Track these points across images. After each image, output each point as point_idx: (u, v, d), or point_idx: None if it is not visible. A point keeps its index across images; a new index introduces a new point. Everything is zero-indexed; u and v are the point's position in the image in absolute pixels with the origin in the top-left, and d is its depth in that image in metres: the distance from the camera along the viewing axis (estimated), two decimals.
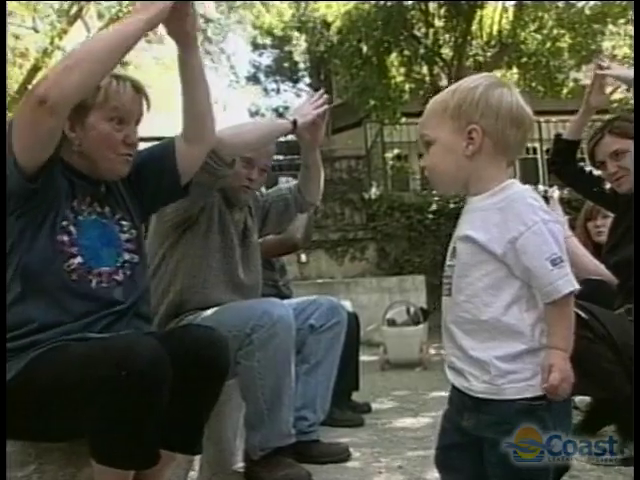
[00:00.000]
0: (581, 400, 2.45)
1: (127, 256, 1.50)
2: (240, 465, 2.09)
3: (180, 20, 1.46)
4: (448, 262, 1.16)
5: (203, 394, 1.44)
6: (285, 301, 2.20)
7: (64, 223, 1.40)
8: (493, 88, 1.12)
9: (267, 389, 1.89)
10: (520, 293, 1.07)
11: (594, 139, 2.12)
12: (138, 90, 1.49)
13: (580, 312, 1.79)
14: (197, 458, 1.88)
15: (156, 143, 1.68)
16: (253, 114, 16.75)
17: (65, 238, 1.39)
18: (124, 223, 1.53)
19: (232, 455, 2.14)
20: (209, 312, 1.95)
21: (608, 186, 2.22)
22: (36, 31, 12.49)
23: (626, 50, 9.25)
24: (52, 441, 1.37)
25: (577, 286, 1.04)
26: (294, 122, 2.04)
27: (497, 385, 1.06)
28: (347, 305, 3.06)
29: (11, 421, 1.30)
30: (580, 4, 9.10)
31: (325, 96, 2.18)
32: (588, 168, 2.27)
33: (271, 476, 1.88)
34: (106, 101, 1.42)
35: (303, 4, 11.43)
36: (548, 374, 1.02)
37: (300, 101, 17.40)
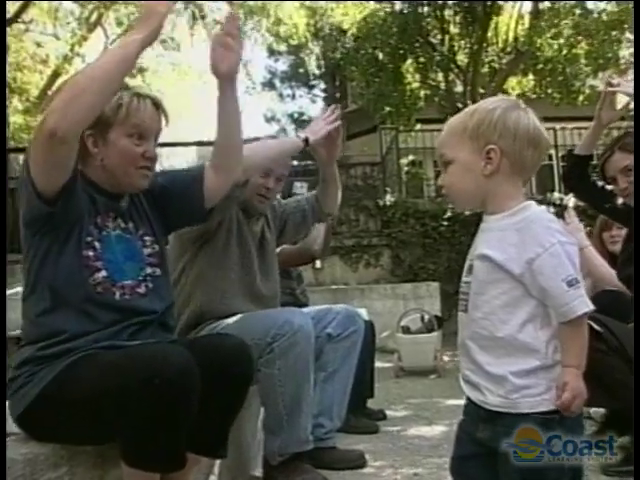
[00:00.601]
0: (595, 411, 2.47)
1: (149, 270, 1.56)
2: (259, 470, 2.14)
3: (226, 62, 1.57)
4: (465, 279, 1.21)
5: (228, 400, 1.49)
6: (305, 309, 2.25)
7: (89, 239, 1.47)
8: (510, 110, 1.16)
9: (287, 396, 1.94)
10: (535, 312, 1.11)
11: (604, 156, 2.17)
12: (157, 107, 1.56)
13: (594, 325, 1.83)
14: (217, 463, 1.94)
15: (186, 168, 1.74)
16: (269, 119, 16.90)
17: (90, 253, 1.46)
18: (147, 238, 1.59)
19: (251, 460, 2.19)
20: (230, 320, 2.01)
21: (620, 200, 2.25)
22: (57, 38, 12.70)
23: None
24: (84, 444, 1.43)
25: (592, 307, 1.08)
26: (306, 140, 2.08)
27: (512, 399, 1.10)
28: (363, 313, 3.10)
29: (45, 425, 1.37)
30: (598, 9, 9.07)
31: (338, 111, 2.21)
32: (601, 182, 2.30)
33: None
34: (127, 118, 1.49)
35: (319, 12, 11.52)
36: (561, 392, 1.06)
37: (315, 108, 17.47)
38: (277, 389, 1.93)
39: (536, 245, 1.09)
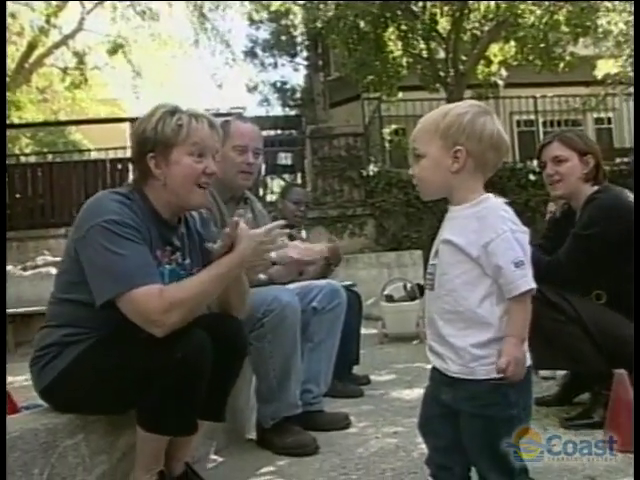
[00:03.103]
0: (553, 373, 2.71)
1: None
2: (252, 434, 2.33)
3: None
4: (431, 261, 1.39)
5: (228, 371, 1.68)
6: (290, 286, 2.41)
7: None
8: (479, 116, 1.33)
9: (277, 366, 2.13)
10: (491, 290, 1.29)
11: (544, 141, 2.35)
12: (212, 126, 1.65)
13: (552, 297, 2.03)
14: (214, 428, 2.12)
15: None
16: (251, 89, 16.72)
17: None
18: (196, 270, 1.66)
19: (245, 425, 2.38)
20: None
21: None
22: (32, 9, 12.39)
23: (622, 26, 9.27)
24: (102, 414, 1.61)
25: (533, 285, 1.25)
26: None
27: (470, 367, 1.28)
28: (351, 285, 3.28)
29: (68, 397, 1.54)
30: None
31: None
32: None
33: (281, 441, 2.13)
34: (188, 138, 1.58)
35: None
36: (503, 361, 1.23)
37: (298, 76, 17.20)
38: (268, 360, 2.12)
39: (491, 231, 1.27)
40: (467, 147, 1.30)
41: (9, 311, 5.88)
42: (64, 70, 14.23)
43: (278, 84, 16.72)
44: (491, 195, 1.34)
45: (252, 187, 2.55)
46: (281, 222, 1.71)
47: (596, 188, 2.25)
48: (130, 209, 1.53)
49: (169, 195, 1.61)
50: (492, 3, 9.89)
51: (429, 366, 1.45)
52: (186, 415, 1.53)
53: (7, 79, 12.69)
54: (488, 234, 1.27)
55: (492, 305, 1.28)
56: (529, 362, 1.30)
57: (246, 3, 12.95)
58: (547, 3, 9.41)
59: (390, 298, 5.00)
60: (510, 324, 1.26)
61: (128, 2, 13.26)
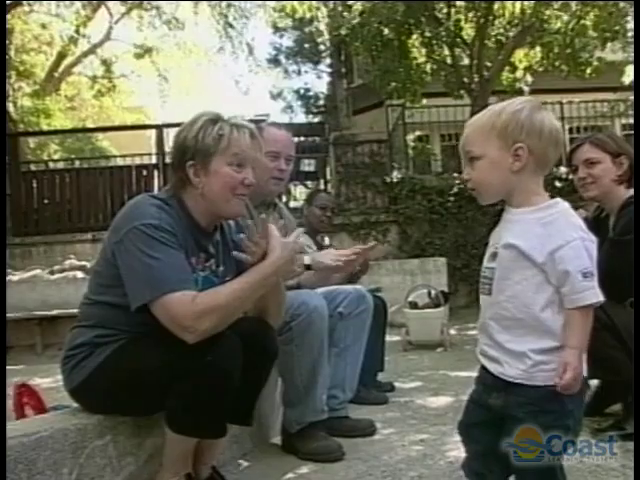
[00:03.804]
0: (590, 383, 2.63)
1: None
2: (277, 438, 2.32)
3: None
4: (487, 264, 1.33)
5: (256, 375, 1.68)
6: (317, 290, 2.40)
7: None
8: (536, 111, 1.27)
9: (304, 370, 2.12)
10: (553, 298, 1.24)
11: (575, 144, 2.30)
12: (253, 137, 1.65)
13: None
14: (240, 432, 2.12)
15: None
16: (275, 96, 16.84)
17: None
18: (230, 278, 1.67)
19: (270, 429, 2.37)
20: None
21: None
22: (63, 20, 12.69)
23: None
24: (131, 415, 1.62)
25: (601, 298, 1.21)
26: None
27: (529, 372, 1.23)
28: (377, 290, 3.25)
29: (99, 397, 1.56)
30: None
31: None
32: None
33: (307, 447, 2.11)
34: (228, 148, 1.59)
35: None
36: (563, 372, 1.19)
37: (322, 83, 17.27)
38: (295, 364, 2.11)
39: (560, 238, 1.21)
40: (528, 144, 1.24)
41: (37, 314, 5.98)
42: (92, 78, 14.54)
43: (301, 91, 16.81)
44: (559, 200, 1.29)
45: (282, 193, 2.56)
46: (301, 229, 1.71)
47: (631, 192, 2.19)
48: (168, 214, 1.54)
49: (206, 204, 1.61)
50: (517, 8, 9.81)
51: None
52: (215, 418, 1.53)
53: (37, 87, 13.01)
54: (556, 240, 1.21)
55: (554, 313, 1.24)
56: (585, 373, 1.25)
57: (271, 11, 13.05)
58: (574, 8, 9.29)
59: (414, 305, 4.97)
60: (572, 335, 1.21)
61: (154, 12, 13.49)
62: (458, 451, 2.10)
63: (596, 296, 1.20)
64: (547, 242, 1.22)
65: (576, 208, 3.10)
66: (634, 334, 1.96)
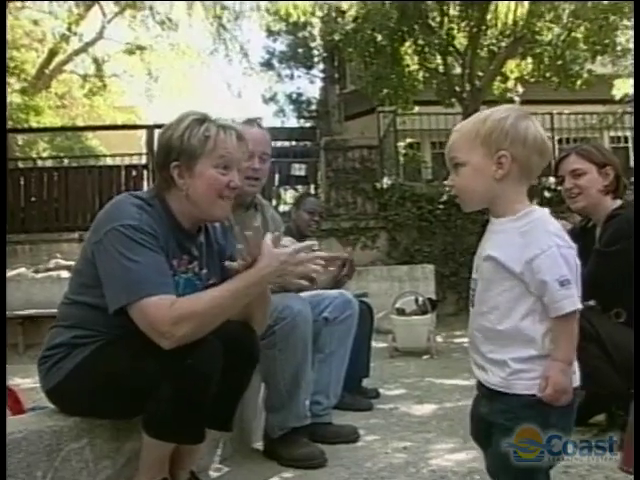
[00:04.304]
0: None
1: None
2: (259, 443, 2.29)
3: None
4: (473, 276, 1.32)
5: (237, 379, 1.64)
6: (302, 294, 2.38)
7: None
8: (521, 119, 1.25)
9: (287, 375, 2.10)
10: (534, 307, 1.22)
11: (561, 155, 2.30)
12: (240, 139, 1.61)
13: None
14: (220, 438, 2.09)
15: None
16: (267, 100, 16.83)
17: None
18: (213, 282, 1.65)
19: (251, 434, 2.34)
20: None
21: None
22: (55, 17, 12.61)
23: None
24: (108, 418, 1.58)
25: (579, 306, 1.19)
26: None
27: (508, 380, 1.22)
28: (363, 295, 3.24)
29: (75, 398, 1.52)
30: None
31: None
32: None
33: (289, 453, 2.09)
34: (214, 149, 1.55)
35: None
36: (545, 386, 1.17)
37: (314, 88, 17.30)
38: (278, 369, 2.09)
39: (536, 247, 1.19)
40: (511, 152, 1.23)
41: (19, 313, 5.90)
42: (84, 77, 14.44)
43: (294, 95, 16.83)
44: (536, 207, 1.27)
45: (262, 193, 2.52)
46: (311, 243, 1.62)
47: (618, 202, 2.20)
48: (149, 215, 1.51)
49: (190, 206, 1.58)
50: (510, 19, 9.89)
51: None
52: (193, 423, 1.50)
53: (27, 84, 12.90)
54: (532, 249, 1.19)
55: (535, 322, 1.22)
56: (576, 383, 1.23)
57: (264, 14, 13.06)
58: (565, 20, 9.38)
59: (401, 311, 4.96)
60: (556, 346, 1.19)
61: (148, 12, 13.45)
62: (441, 459, 2.10)
63: (573, 304, 1.18)
64: (524, 251, 1.20)
65: (560, 218, 3.12)
66: (634, 341, 1.95)
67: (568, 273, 1.18)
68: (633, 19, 7.28)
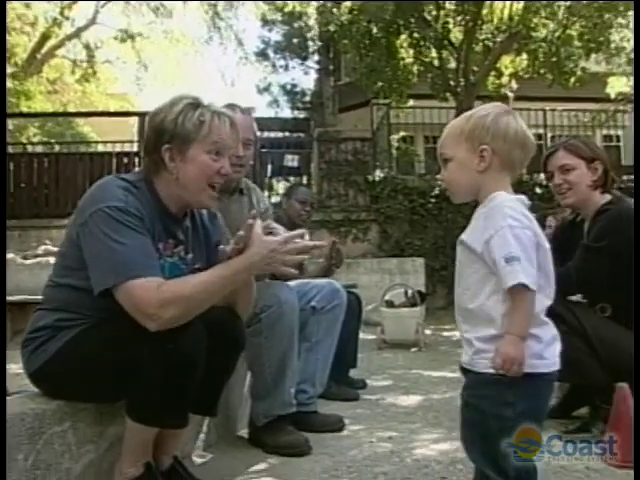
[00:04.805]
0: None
1: None
2: (244, 431, 2.30)
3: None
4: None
5: (222, 365, 1.64)
6: (290, 283, 2.38)
7: None
8: (501, 116, 1.36)
9: (272, 362, 2.10)
10: (497, 287, 1.29)
11: (549, 151, 2.31)
12: (233, 126, 1.61)
13: (556, 307, 2.00)
14: (205, 422, 2.09)
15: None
16: (261, 90, 16.73)
17: None
18: (198, 267, 1.63)
19: (237, 422, 2.35)
20: None
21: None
22: (48, 1, 12.45)
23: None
24: (92, 402, 1.57)
25: (523, 281, 1.22)
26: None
27: (472, 359, 1.31)
28: (352, 286, 3.24)
29: (58, 382, 1.51)
30: None
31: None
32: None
33: (273, 440, 2.09)
34: (208, 135, 1.54)
35: None
36: (495, 357, 1.24)
37: (309, 79, 17.23)
38: (263, 356, 2.09)
39: (491, 228, 1.29)
40: (492, 146, 1.33)
41: (7, 299, 5.85)
42: (74, 62, 14.28)
43: (288, 86, 16.72)
44: (501, 193, 1.34)
45: (253, 182, 2.51)
46: (302, 231, 1.61)
47: (607, 197, 2.21)
48: (136, 198, 1.49)
49: (179, 190, 1.57)
50: (505, 15, 9.88)
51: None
52: (176, 407, 1.49)
53: (18, 68, 12.76)
54: (489, 231, 1.30)
55: (497, 302, 1.28)
56: (555, 367, 1.28)
57: (260, 3, 12.96)
58: (560, 17, 9.39)
59: (390, 304, 4.97)
60: (510, 320, 1.25)
61: None
62: (426, 449, 2.11)
63: (515, 278, 1.23)
64: (483, 233, 1.30)
65: (551, 214, 3.13)
66: (634, 343, 1.97)
67: (517, 251, 1.24)
68: (633, 19, 7.29)
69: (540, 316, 1.29)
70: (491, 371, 1.25)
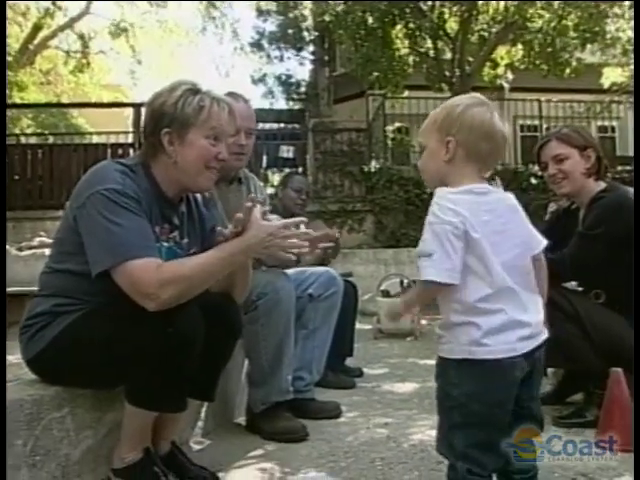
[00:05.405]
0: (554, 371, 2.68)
1: None
2: (242, 418, 2.31)
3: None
4: None
5: (220, 350, 1.65)
6: (287, 270, 2.38)
7: None
8: (471, 107, 1.37)
9: (269, 349, 2.11)
10: None
11: (542, 142, 2.31)
12: (231, 113, 1.63)
13: (551, 293, 2.01)
14: (204, 409, 2.10)
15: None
16: (256, 81, 16.65)
17: None
18: (194, 252, 1.64)
19: (234, 408, 2.36)
20: None
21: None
22: None
23: (630, 34, 9.24)
24: (90, 387, 1.58)
25: (430, 277, 1.26)
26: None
27: (438, 345, 1.38)
28: (348, 275, 3.25)
29: (57, 368, 1.51)
30: None
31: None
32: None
33: (271, 427, 2.10)
34: (207, 120, 1.55)
35: None
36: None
37: (304, 70, 17.15)
38: (260, 343, 2.10)
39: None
40: (457, 138, 1.35)
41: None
42: (66, 52, 14.16)
43: (283, 77, 16.63)
44: (445, 188, 1.35)
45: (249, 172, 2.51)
46: (300, 219, 1.63)
47: (602, 185, 2.22)
48: (132, 180, 1.50)
49: (177, 174, 1.58)
50: (501, 5, 9.86)
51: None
52: (174, 391, 1.50)
53: (10, 59, 12.64)
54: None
55: (448, 292, 1.32)
56: (493, 355, 1.27)
57: None
58: (556, 7, 9.37)
59: (386, 293, 4.98)
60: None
61: None
62: (422, 434, 2.13)
63: (424, 274, 1.28)
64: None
65: (546, 206, 3.14)
66: (634, 339, 1.99)
67: (431, 246, 1.28)
68: (633, 19, 7.28)
69: (479, 305, 1.28)
70: (453, 357, 1.32)
